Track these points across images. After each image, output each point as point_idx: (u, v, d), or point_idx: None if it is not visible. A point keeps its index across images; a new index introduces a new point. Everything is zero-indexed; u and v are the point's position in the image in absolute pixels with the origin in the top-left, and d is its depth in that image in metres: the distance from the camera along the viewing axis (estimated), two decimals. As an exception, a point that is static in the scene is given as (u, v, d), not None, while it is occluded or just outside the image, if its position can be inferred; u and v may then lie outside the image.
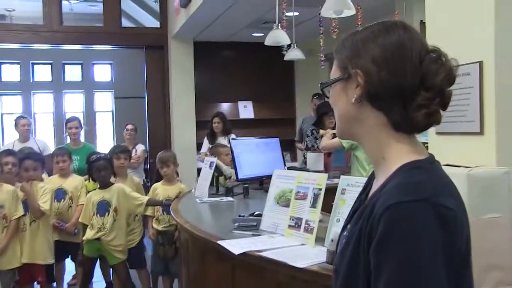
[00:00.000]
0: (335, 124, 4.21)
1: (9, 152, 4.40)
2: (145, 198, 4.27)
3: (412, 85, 1.01)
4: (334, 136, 4.70)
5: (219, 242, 2.36)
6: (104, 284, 4.98)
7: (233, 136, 6.33)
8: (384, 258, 0.91)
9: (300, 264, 1.94)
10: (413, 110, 1.01)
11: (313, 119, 6.54)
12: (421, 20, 5.54)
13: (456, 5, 1.97)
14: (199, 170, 7.20)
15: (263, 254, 2.12)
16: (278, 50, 7.91)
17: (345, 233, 1.15)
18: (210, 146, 6.20)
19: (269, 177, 4.47)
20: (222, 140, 6.27)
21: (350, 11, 3.61)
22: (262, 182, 4.49)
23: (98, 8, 9.28)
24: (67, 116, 12.39)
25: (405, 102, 1.02)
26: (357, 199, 1.20)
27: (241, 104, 8.42)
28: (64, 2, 7.41)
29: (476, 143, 1.82)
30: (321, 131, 5.09)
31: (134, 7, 8.77)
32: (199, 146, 7.21)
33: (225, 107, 8.30)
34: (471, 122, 1.84)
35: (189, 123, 7.73)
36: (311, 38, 6.02)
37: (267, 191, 4.18)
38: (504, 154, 1.80)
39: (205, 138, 6.64)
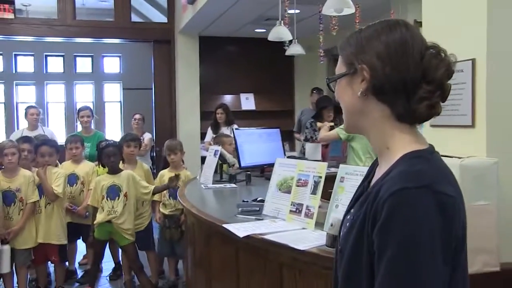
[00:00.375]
0: (333, 117, 4.26)
1: (25, 139, 4.43)
2: (151, 187, 4.27)
3: (414, 79, 1.02)
4: (331, 128, 4.72)
5: (224, 225, 2.38)
6: (113, 265, 5.02)
7: (235, 126, 6.32)
8: (386, 239, 0.93)
9: (301, 246, 1.96)
10: (416, 102, 1.03)
11: (311, 111, 6.56)
12: (415, 20, 5.52)
13: (452, 6, 1.98)
14: (202, 158, 7.22)
15: (266, 237, 2.14)
16: (279, 46, 7.89)
17: (348, 217, 1.17)
18: (214, 135, 6.22)
19: (270, 165, 4.50)
20: (225, 130, 6.26)
21: (350, 10, 3.61)
22: (263, 170, 4.51)
23: (108, 3, 9.25)
24: (78, 105, 12.42)
25: (408, 95, 1.03)
26: (359, 186, 1.21)
27: (243, 96, 8.42)
28: (77, -3, 7.40)
29: (468, 135, 1.83)
30: (319, 124, 5.11)
31: (142, 2, 8.74)
32: (203, 135, 7.21)
33: (228, 98, 8.30)
34: (463, 115, 1.85)
35: (194, 113, 7.73)
36: (311, 35, 6.01)
37: (268, 179, 4.21)
38: (494, 145, 1.82)
39: (209, 128, 6.64)
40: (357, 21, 4.56)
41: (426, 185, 0.93)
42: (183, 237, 4.24)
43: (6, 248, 3.94)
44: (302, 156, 5.42)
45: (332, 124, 4.86)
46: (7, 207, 3.99)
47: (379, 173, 1.10)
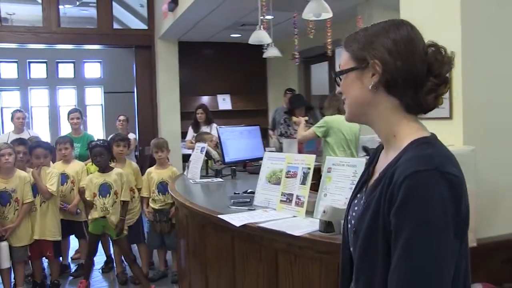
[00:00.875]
0: (304, 114, 4.30)
1: (20, 142, 4.33)
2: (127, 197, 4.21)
3: (421, 73, 1.05)
4: (307, 124, 4.75)
5: (220, 216, 2.37)
6: (105, 258, 4.96)
7: (215, 125, 6.32)
8: (404, 219, 0.94)
9: (296, 232, 1.97)
10: (425, 94, 1.05)
11: (284, 110, 6.59)
12: (378, 24, 5.62)
13: (428, 4, 2.01)
14: (184, 156, 7.22)
15: (262, 225, 2.14)
16: (252, 49, 7.88)
17: (355, 201, 1.19)
18: (195, 134, 6.20)
19: (251, 160, 4.53)
20: (205, 129, 6.25)
21: (327, 14, 3.62)
22: (245, 165, 4.52)
23: (88, 12, 9.11)
24: (61, 110, 12.20)
25: (416, 88, 1.05)
26: (364, 172, 1.23)
27: (220, 97, 8.39)
28: (60, 7, 7.22)
29: (446, 126, 1.86)
30: (294, 118, 5.12)
31: (123, 11, 8.62)
32: (183, 134, 7.19)
33: (206, 99, 8.26)
34: (442, 108, 1.87)
35: (174, 114, 7.66)
36: (283, 39, 6.05)
37: (250, 173, 4.26)
38: (469, 135, 1.86)
39: (190, 127, 6.60)
40: (328, 25, 4.59)
41: (436, 167, 0.95)
42: (173, 229, 4.22)
43: (4, 244, 3.84)
44: (280, 151, 5.44)
45: (306, 118, 4.89)
46: (2, 207, 3.88)
47: (385, 159, 1.12)
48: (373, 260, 1.02)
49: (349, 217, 1.20)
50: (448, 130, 1.86)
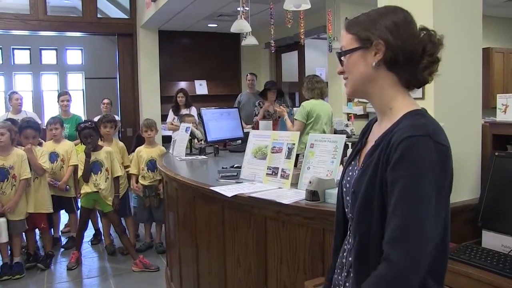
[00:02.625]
0: (276, 97, 4.32)
1: (11, 122, 4.21)
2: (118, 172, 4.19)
3: (418, 52, 1.09)
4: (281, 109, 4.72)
5: (212, 188, 2.36)
6: (93, 231, 4.91)
7: (193, 108, 6.31)
8: (399, 174, 0.99)
9: (285, 201, 1.98)
10: (421, 71, 1.10)
11: (248, 94, 6.60)
12: (346, 17, 5.66)
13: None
14: (163, 137, 7.15)
15: (252, 195, 2.14)
16: (228, 38, 7.85)
17: (350, 167, 1.23)
18: (175, 116, 6.17)
19: (231, 139, 4.53)
20: (185, 111, 6.22)
21: (306, 5, 3.60)
22: (225, 144, 4.52)
23: (71, 2, 8.81)
24: (44, 94, 11.84)
25: (413, 65, 1.09)
26: (358, 141, 1.27)
27: (197, 82, 8.30)
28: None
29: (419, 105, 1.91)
30: (278, 110, 4.91)
31: (105, 2, 8.37)
32: (163, 117, 7.09)
33: (183, 85, 8.14)
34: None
35: (155, 98, 7.56)
36: (257, 29, 6.00)
37: (231, 151, 4.26)
38: (440, 113, 1.91)
39: (170, 110, 6.52)
40: (301, 17, 4.59)
41: (429, 134, 1.00)
42: (161, 204, 4.19)
43: (3, 220, 3.74)
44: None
45: (285, 109, 4.80)
46: (0, 183, 3.77)
47: (379, 129, 1.15)
48: (369, 215, 1.06)
49: (344, 182, 1.24)
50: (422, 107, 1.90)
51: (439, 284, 1.09)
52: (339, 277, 1.24)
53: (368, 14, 1.14)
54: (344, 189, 1.23)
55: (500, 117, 4.55)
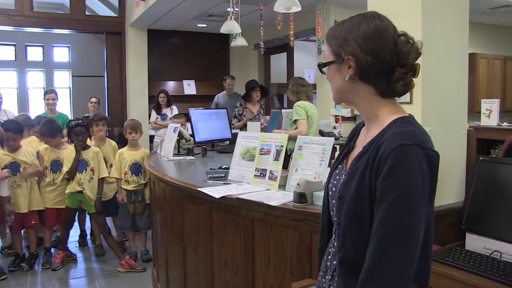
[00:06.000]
0: (260, 97, 4.32)
1: None
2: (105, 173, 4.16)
3: (391, 64, 1.09)
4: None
5: (199, 189, 2.36)
6: (79, 232, 4.87)
7: (174, 107, 6.49)
8: (390, 185, 1.00)
9: (273, 203, 2.00)
10: (394, 82, 1.10)
11: (224, 96, 6.63)
12: (335, 20, 5.69)
13: (391, 4, 2.07)
14: (150, 137, 7.13)
15: (240, 196, 2.15)
16: (217, 38, 7.83)
17: (337, 171, 1.24)
18: (158, 116, 6.38)
19: (219, 140, 4.53)
20: (166, 111, 6.45)
21: (297, 8, 3.60)
22: (213, 145, 4.51)
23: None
24: (30, 91, 11.68)
25: (387, 77, 1.10)
26: (345, 145, 1.28)
27: (185, 82, 8.27)
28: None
29: (407, 110, 1.93)
30: (277, 131, 4.74)
31: (94, 0, 8.30)
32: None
33: (172, 84, 8.13)
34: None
35: (143, 97, 7.51)
36: (246, 30, 6.01)
37: (219, 152, 4.26)
38: (427, 117, 1.94)
39: (152, 110, 6.59)
40: (291, 19, 4.61)
41: (417, 143, 1.01)
42: (146, 210, 4.11)
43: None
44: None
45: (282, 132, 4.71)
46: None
47: (368, 134, 1.17)
48: (358, 222, 1.07)
49: (330, 185, 1.25)
50: (409, 113, 1.93)
51: None
52: (323, 280, 1.25)
53: (343, 25, 1.14)
54: (330, 192, 1.24)
55: (484, 121, 4.64)
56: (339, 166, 1.24)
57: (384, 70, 1.09)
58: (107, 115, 7.35)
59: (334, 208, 1.19)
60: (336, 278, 1.16)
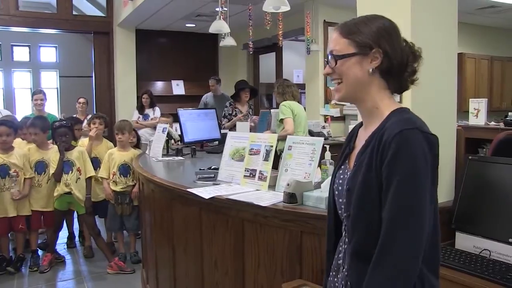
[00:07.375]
0: (249, 97, 4.30)
1: None
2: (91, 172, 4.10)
3: (406, 63, 1.18)
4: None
5: (189, 189, 2.34)
6: (67, 233, 4.80)
7: (157, 108, 6.57)
8: (395, 169, 1.04)
9: (263, 203, 1.98)
10: (404, 79, 1.20)
11: (211, 96, 6.67)
12: (325, 20, 5.71)
13: (381, 5, 2.07)
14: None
15: (230, 197, 2.13)
16: (205, 38, 7.80)
17: (340, 171, 1.27)
18: (140, 115, 6.49)
19: (208, 140, 4.50)
20: (149, 112, 6.53)
21: (286, 7, 3.59)
22: (202, 145, 4.48)
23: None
24: (16, 92, 11.55)
25: (401, 73, 1.18)
26: (345, 147, 1.31)
27: (174, 82, 8.23)
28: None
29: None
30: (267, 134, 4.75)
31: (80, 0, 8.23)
32: (140, 117, 7.03)
33: (160, 85, 8.09)
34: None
35: (131, 97, 7.47)
36: (235, 30, 5.99)
37: (208, 152, 4.23)
38: (415, 117, 1.94)
39: (135, 109, 6.68)
40: (280, 19, 4.60)
41: (417, 127, 1.06)
42: (133, 212, 4.08)
43: None
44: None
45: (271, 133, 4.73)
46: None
47: (366, 132, 1.20)
48: (368, 209, 1.10)
49: (335, 186, 1.28)
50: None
51: (434, 275, 1.13)
52: (335, 279, 1.27)
53: (362, 21, 1.19)
54: (336, 192, 1.27)
55: (472, 121, 4.67)
56: (342, 166, 1.28)
57: (401, 66, 1.17)
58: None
59: (343, 206, 1.22)
60: (350, 270, 1.17)
